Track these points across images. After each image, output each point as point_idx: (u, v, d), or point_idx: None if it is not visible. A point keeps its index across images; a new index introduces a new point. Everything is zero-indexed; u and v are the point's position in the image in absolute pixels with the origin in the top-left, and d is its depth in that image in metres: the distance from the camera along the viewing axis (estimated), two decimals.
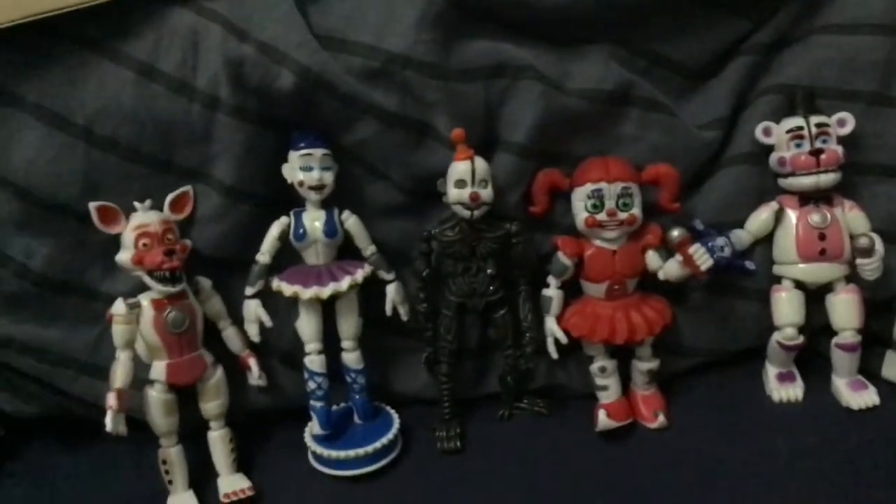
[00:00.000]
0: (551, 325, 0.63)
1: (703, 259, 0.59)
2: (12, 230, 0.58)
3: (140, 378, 0.57)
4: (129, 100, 0.57)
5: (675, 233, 0.59)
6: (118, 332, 0.57)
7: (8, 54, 0.56)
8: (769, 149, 0.63)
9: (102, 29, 0.57)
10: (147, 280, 0.57)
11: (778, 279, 0.64)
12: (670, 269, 0.61)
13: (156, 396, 0.58)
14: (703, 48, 0.65)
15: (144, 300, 0.58)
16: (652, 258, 0.62)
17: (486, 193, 0.59)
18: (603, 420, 0.61)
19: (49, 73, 0.57)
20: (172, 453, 0.58)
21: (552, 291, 0.63)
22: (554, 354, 0.63)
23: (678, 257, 0.60)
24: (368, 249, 0.62)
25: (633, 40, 0.63)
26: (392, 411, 0.64)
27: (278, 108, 0.59)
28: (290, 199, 0.61)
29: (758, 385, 0.66)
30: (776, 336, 0.63)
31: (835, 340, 0.63)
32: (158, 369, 0.58)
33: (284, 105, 0.58)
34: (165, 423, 0.58)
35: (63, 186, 0.57)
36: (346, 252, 0.62)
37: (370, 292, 0.62)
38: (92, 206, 0.57)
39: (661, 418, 0.63)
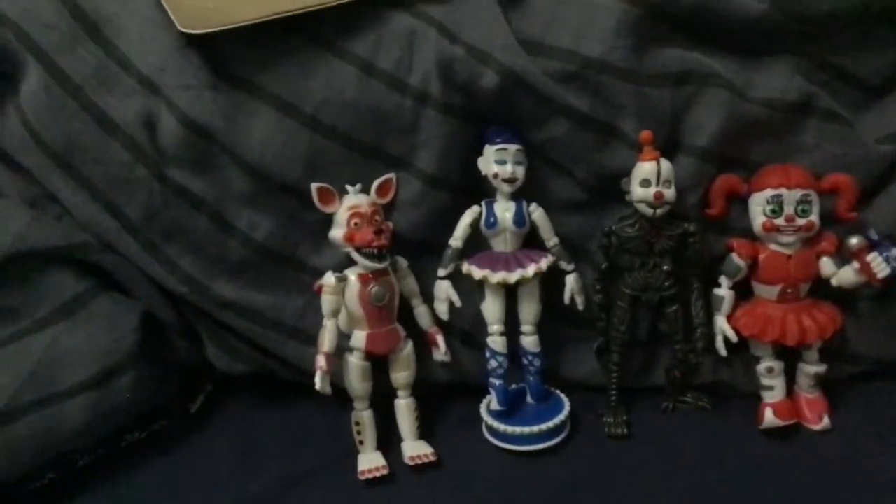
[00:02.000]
0: (722, 323, 0.66)
1: (880, 267, 0.62)
2: (241, 204, 0.65)
3: (340, 346, 0.64)
4: (351, 92, 0.64)
5: (855, 241, 0.62)
6: (327, 301, 0.63)
7: (251, 48, 0.63)
8: None
9: (332, 28, 0.64)
10: (355, 256, 0.64)
11: None
12: (845, 275, 0.64)
13: (354, 363, 0.64)
14: (884, 64, 0.68)
15: (352, 274, 0.64)
16: (826, 264, 0.65)
17: (670, 193, 0.63)
18: (770, 418, 0.65)
19: (284, 65, 0.64)
20: (365, 416, 0.65)
21: (724, 291, 0.66)
22: (723, 352, 0.66)
23: (855, 265, 0.63)
24: (552, 241, 0.67)
25: (816, 53, 0.67)
26: (562, 395, 0.69)
27: (480, 105, 0.65)
28: (481, 189, 0.67)
29: None
30: None
31: None
32: (359, 338, 0.64)
33: (486, 102, 0.64)
34: (361, 387, 0.65)
35: (289, 167, 0.65)
36: (528, 242, 0.67)
37: (549, 281, 0.67)
38: (313, 186, 0.64)
39: (826, 421, 0.65)
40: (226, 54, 0.64)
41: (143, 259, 0.65)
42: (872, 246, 0.63)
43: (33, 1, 0.63)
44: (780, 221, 0.64)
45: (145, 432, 0.67)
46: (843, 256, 0.64)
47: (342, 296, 0.64)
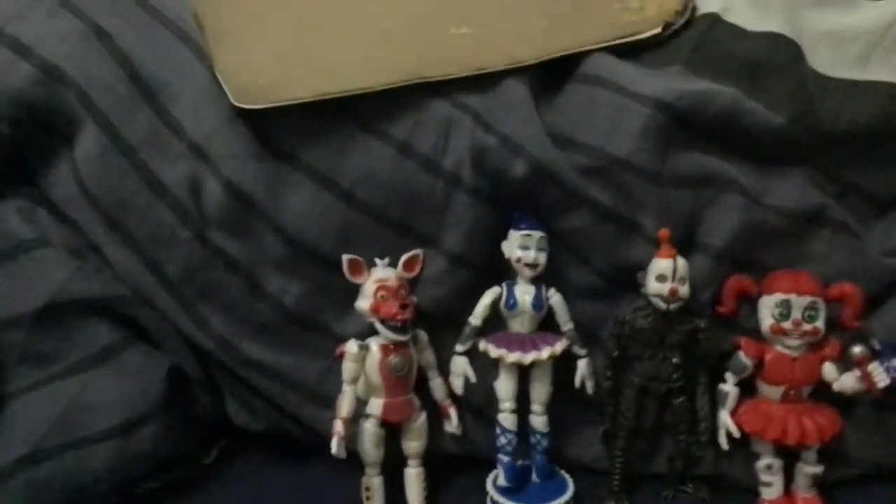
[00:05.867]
0: (725, 418, 0.71)
1: (880, 377, 0.66)
2: (274, 269, 0.70)
3: (356, 412, 0.68)
4: (387, 171, 0.70)
5: (857, 350, 0.67)
6: (348, 368, 0.68)
7: (296, 123, 0.69)
8: None
9: (373, 110, 0.70)
10: (379, 327, 0.68)
11: None
12: (846, 382, 0.68)
13: (370, 429, 0.68)
14: (893, 181, 0.73)
15: (374, 344, 0.69)
16: (829, 370, 0.69)
17: (684, 290, 0.68)
18: None
19: (326, 142, 0.69)
20: (375, 482, 0.69)
21: (729, 387, 0.71)
22: (724, 446, 0.71)
23: (856, 372, 0.68)
24: (567, 325, 0.72)
25: (830, 166, 0.72)
26: (567, 476, 0.73)
27: (508, 192, 0.70)
28: (502, 272, 0.72)
29: None
30: None
31: None
32: (375, 405, 0.69)
33: (514, 190, 0.70)
34: (374, 453, 0.68)
35: (323, 238, 0.70)
36: (544, 324, 0.72)
37: (561, 364, 0.71)
38: (345, 258, 0.69)
39: None
40: (271, 128, 0.69)
41: (177, 315, 0.70)
42: (874, 355, 0.68)
43: (95, 64, 0.69)
44: (787, 325, 0.69)
45: (160, 482, 0.71)
46: (846, 363, 0.69)
47: (363, 364, 0.68)
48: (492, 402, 0.72)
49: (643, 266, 0.70)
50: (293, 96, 0.67)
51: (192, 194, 0.69)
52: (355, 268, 0.70)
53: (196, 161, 0.69)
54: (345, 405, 0.67)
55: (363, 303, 0.69)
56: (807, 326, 0.69)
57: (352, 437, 0.68)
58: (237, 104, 0.67)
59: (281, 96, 0.67)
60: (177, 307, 0.70)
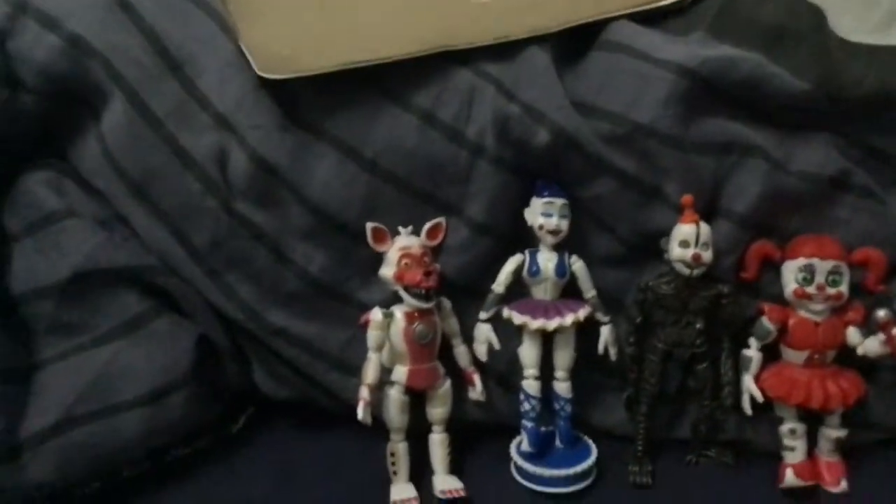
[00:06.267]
0: (749, 383, 0.71)
1: None
2: (299, 238, 0.71)
3: (381, 379, 0.69)
4: (411, 141, 0.70)
5: (882, 313, 0.67)
6: (372, 336, 0.69)
7: (320, 93, 0.69)
8: None
9: (397, 80, 0.70)
10: (403, 294, 0.69)
11: None
12: (871, 346, 0.69)
13: (395, 396, 0.69)
14: None
15: (398, 311, 0.69)
16: (853, 334, 0.70)
17: (707, 255, 0.69)
18: (790, 478, 0.69)
19: (350, 112, 0.70)
20: (400, 448, 0.70)
21: (753, 352, 0.72)
22: (748, 411, 0.71)
23: (881, 336, 0.68)
24: (590, 292, 0.72)
25: (854, 132, 0.72)
26: (590, 441, 0.74)
27: (531, 161, 0.71)
28: (524, 240, 0.72)
29: None
30: None
31: None
32: (400, 373, 0.70)
33: (537, 158, 0.70)
34: (399, 420, 0.70)
35: (347, 207, 0.70)
36: (567, 292, 0.73)
37: (584, 331, 0.72)
38: (368, 226, 0.70)
39: (844, 484, 0.70)
40: (296, 98, 0.70)
41: (204, 284, 0.71)
42: None
43: (122, 37, 0.69)
44: (811, 290, 0.69)
45: (189, 448, 0.72)
46: (869, 327, 0.69)
47: (387, 331, 0.69)
48: (515, 369, 0.72)
49: (666, 232, 0.70)
50: (317, 66, 0.68)
51: (219, 165, 0.69)
52: (379, 236, 0.71)
53: (222, 132, 0.70)
54: (370, 372, 0.68)
55: (387, 270, 0.70)
56: (830, 291, 0.69)
57: (377, 404, 0.69)
58: (262, 74, 0.68)
59: (305, 67, 0.68)
60: (204, 277, 0.71)
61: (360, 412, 0.66)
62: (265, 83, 0.69)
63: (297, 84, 0.69)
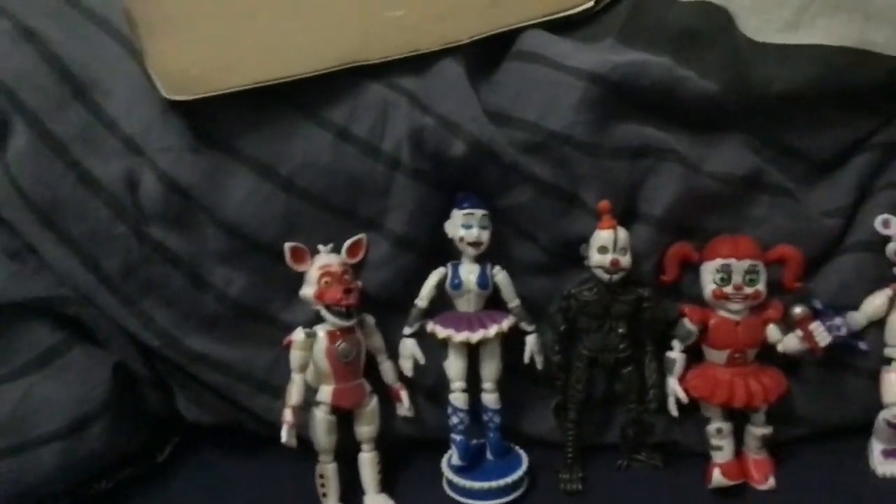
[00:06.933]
0: (674, 385, 0.72)
1: (821, 336, 0.68)
2: (217, 261, 0.70)
3: (307, 400, 0.68)
4: (326, 157, 0.70)
5: (798, 310, 0.69)
6: (295, 356, 0.68)
7: (232, 112, 0.69)
8: (887, 239, 0.72)
9: (310, 96, 0.70)
10: (324, 313, 0.69)
11: (888, 361, 0.72)
12: (790, 343, 0.70)
13: (321, 416, 0.69)
14: (831, 143, 0.74)
15: (320, 331, 0.69)
16: (773, 331, 0.71)
17: (625, 260, 0.69)
18: (717, 478, 0.70)
19: (263, 130, 0.69)
20: (329, 469, 0.69)
21: (676, 354, 0.72)
22: (674, 412, 0.72)
23: (798, 332, 0.69)
24: (513, 302, 0.73)
25: (766, 131, 0.73)
26: (521, 451, 0.74)
27: (449, 172, 0.70)
28: (447, 252, 0.72)
29: (863, 459, 0.73)
30: (883, 414, 0.71)
31: None
32: (325, 393, 0.69)
33: (454, 170, 0.70)
34: (326, 440, 0.69)
35: (264, 227, 0.70)
36: (491, 303, 0.73)
37: (509, 341, 0.72)
38: (287, 246, 0.69)
39: (771, 481, 0.71)
40: (207, 118, 0.69)
41: (119, 312, 0.70)
42: (816, 315, 0.70)
43: (23, 64, 0.68)
44: (728, 290, 0.70)
45: (113, 481, 0.71)
46: (788, 324, 0.71)
47: (310, 351, 0.69)
48: (443, 382, 0.72)
49: (586, 239, 0.71)
50: (226, 85, 0.67)
51: (129, 190, 0.68)
52: (298, 255, 0.70)
53: (132, 156, 0.69)
54: (294, 394, 0.67)
55: (308, 290, 0.70)
56: (748, 290, 0.70)
57: (304, 426, 0.69)
58: (168, 97, 0.67)
59: (213, 86, 0.67)
60: (118, 304, 0.70)
61: (284, 435, 0.66)
62: (174, 105, 0.68)
63: (208, 104, 0.68)
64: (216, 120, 0.70)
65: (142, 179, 0.69)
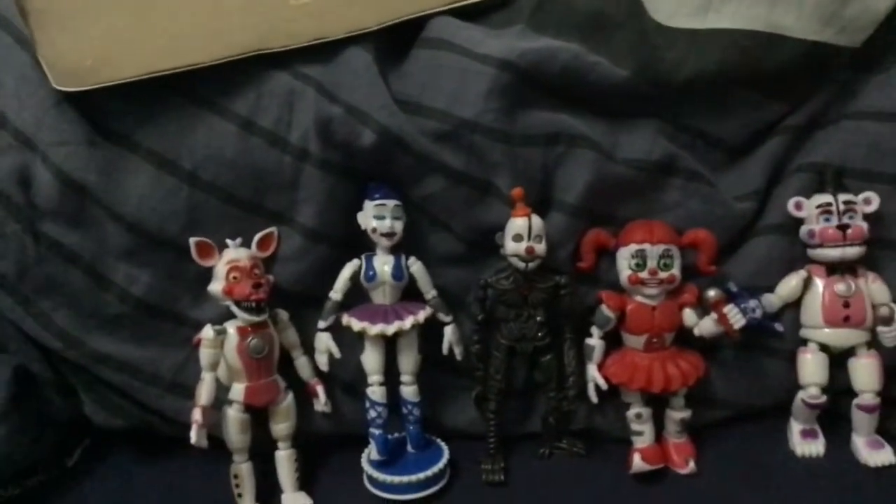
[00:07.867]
0: (593, 372, 0.72)
1: (736, 318, 0.68)
2: (118, 258, 0.68)
3: (219, 398, 0.67)
4: (231, 150, 0.68)
5: (712, 293, 0.69)
6: (205, 354, 0.66)
7: (129, 104, 0.67)
8: (800, 221, 0.73)
9: (212, 87, 0.68)
10: (234, 309, 0.67)
11: (804, 342, 0.73)
12: (705, 326, 0.70)
13: (233, 415, 0.67)
14: (743, 127, 0.75)
15: (230, 327, 0.67)
16: (689, 315, 0.71)
17: (541, 248, 0.69)
18: (638, 463, 0.70)
19: (163, 122, 0.67)
20: (244, 469, 0.67)
21: (595, 341, 0.72)
22: (594, 399, 0.72)
23: (713, 315, 0.69)
24: (430, 293, 0.72)
25: (678, 117, 0.74)
26: (442, 443, 0.73)
27: (358, 163, 0.69)
28: (361, 244, 0.71)
29: (782, 439, 0.74)
30: (801, 394, 0.72)
31: (855, 401, 0.71)
32: (237, 391, 0.67)
33: (364, 160, 0.69)
34: (240, 440, 0.67)
35: (167, 222, 0.68)
36: (408, 294, 0.72)
37: (428, 332, 0.71)
38: (192, 241, 0.67)
39: (692, 465, 0.71)
40: (103, 110, 0.67)
41: (16, 313, 0.67)
42: (731, 298, 0.70)
43: None
44: (643, 275, 0.70)
45: (20, 488, 0.68)
46: (704, 307, 0.71)
47: (221, 349, 0.67)
48: (361, 377, 0.71)
49: (502, 227, 0.70)
50: (120, 76, 0.65)
51: (21, 186, 0.66)
52: (204, 250, 0.68)
53: (23, 151, 0.66)
54: (203, 393, 0.65)
55: (216, 286, 0.68)
56: (663, 274, 0.70)
57: (217, 425, 0.67)
58: (59, 88, 0.64)
59: (107, 77, 0.65)
60: (15, 305, 0.67)
61: (194, 436, 0.64)
62: (69, 96, 0.66)
63: (104, 96, 0.66)
64: (112, 112, 0.68)
65: (35, 175, 0.66)
